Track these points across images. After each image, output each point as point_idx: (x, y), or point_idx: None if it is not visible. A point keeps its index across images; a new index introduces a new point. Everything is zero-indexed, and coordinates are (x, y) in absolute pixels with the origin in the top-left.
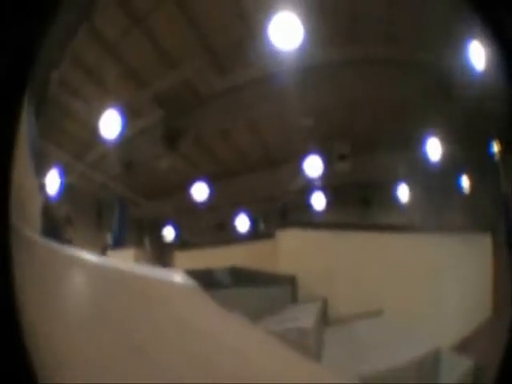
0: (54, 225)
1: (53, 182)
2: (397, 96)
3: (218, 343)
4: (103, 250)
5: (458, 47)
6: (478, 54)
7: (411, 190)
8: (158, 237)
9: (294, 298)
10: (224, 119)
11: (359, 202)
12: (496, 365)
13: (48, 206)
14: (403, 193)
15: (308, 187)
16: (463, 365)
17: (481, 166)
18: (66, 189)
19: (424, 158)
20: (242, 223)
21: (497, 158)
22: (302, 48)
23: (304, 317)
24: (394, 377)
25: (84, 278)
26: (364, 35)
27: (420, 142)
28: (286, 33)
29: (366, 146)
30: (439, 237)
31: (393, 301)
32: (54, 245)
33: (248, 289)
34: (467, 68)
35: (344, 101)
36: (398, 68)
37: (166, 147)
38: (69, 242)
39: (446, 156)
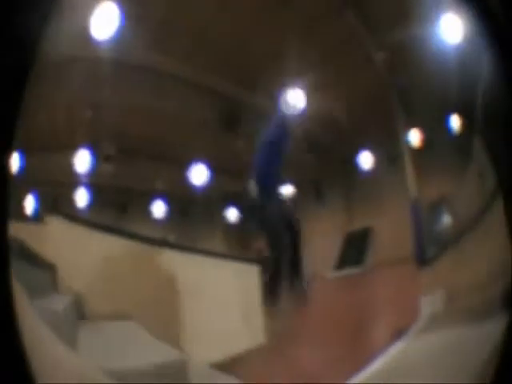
0: None
1: None
2: (173, 109)
3: None
4: None
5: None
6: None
7: (170, 205)
8: None
9: (54, 287)
10: None
11: (118, 206)
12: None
13: None
14: (160, 207)
15: (76, 181)
16: (228, 382)
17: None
18: None
19: (188, 179)
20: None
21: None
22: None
23: (59, 303)
24: (134, 375)
25: None
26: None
27: (189, 162)
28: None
29: (132, 151)
30: (195, 257)
31: (141, 307)
32: None
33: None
34: None
35: (125, 102)
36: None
37: None
38: None
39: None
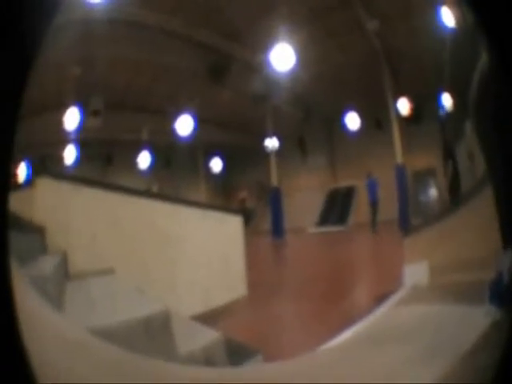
0: None
1: None
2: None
3: None
4: None
5: None
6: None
7: (154, 155)
8: None
9: (43, 248)
10: None
11: (103, 159)
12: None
13: None
14: (145, 158)
15: (65, 139)
16: (208, 335)
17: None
18: None
19: (173, 130)
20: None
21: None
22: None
23: (47, 266)
24: (121, 331)
25: None
26: None
27: (174, 113)
28: None
29: (119, 104)
30: (178, 208)
31: (124, 261)
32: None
33: (18, 234)
34: None
35: (111, 57)
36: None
37: None
38: None
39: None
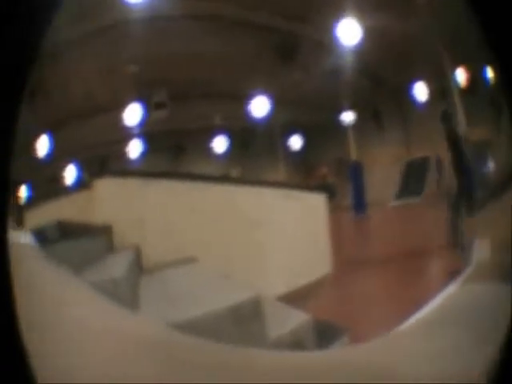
0: None
1: None
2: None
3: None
4: None
5: None
6: None
7: (231, 139)
8: None
9: (110, 248)
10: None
11: (174, 149)
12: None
13: None
14: (221, 142)
15: (127, 135)
16: (297, 317)
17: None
18: None
19: (247, 112)
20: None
21: None
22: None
23: (117, 267)
24: (208, 323)
25: None
26: None
27: (247, 95)
28: None
29: (184, 94)
30: (259, 190)
31: (206, 249)
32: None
33: (73, 242)
34: None
35: (168, 51)
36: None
37: None
38: None
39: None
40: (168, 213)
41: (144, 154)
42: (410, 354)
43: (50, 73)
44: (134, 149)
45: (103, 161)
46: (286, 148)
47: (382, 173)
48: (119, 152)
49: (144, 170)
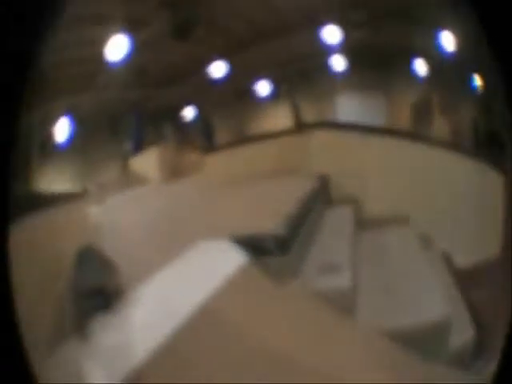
0: None
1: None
2: None
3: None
4: (124, 159)
5: None
6: None
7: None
8: (179, 123)
9: (326, 198)
10: None
11: (378, 65)
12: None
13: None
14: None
15: (327, 52)
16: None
17: None
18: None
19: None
20: (263, 89)
21: None
22: None
23: (339, 256)
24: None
25: None
26: None
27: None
28: None
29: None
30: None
31: (417, 209)
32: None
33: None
34: None
35: None
36: None
37: (178, 38)
38: None
39: None
40: (385, 169)
41: (348, 70)
42: None
43: None
44: (337, 63)
45: (303, 74)
46: None
47: None
48: (318, 68)
49: (359, 125)
